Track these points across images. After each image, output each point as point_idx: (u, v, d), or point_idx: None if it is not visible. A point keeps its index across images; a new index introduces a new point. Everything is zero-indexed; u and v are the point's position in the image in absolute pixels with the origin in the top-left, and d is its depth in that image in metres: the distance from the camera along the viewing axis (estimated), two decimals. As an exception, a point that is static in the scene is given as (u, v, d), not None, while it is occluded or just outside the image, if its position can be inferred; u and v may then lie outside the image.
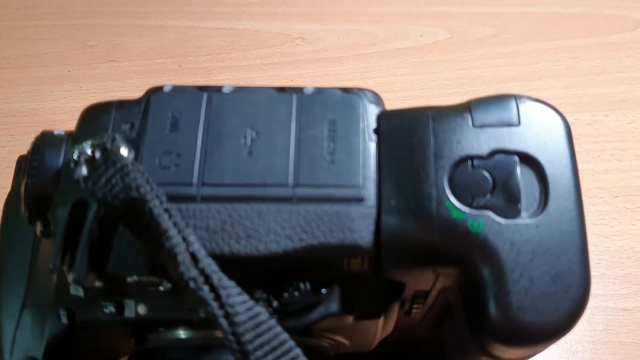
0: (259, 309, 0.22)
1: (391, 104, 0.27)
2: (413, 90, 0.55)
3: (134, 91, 0.27)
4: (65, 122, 0.26)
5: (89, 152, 0.22)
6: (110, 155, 0.22)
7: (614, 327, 0.45)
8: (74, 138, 0.25)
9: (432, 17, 0.60)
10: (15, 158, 0.31)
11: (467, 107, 0.25)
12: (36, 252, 0.28)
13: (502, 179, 0.24)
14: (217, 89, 0.26)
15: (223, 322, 0.21)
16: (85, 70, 0.57)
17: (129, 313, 0.25)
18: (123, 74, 0.56)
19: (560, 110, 0.26)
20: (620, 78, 0.56)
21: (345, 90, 0.26)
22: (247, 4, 0.61)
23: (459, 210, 0.23)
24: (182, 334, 0.26)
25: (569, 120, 0.26)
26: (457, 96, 0.26)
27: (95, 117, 0.26)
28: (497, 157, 0.24)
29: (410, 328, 0.32)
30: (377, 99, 0.26)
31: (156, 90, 0.26)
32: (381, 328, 0.27)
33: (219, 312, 0.21)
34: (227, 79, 0.56)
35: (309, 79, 0.56)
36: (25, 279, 0.27)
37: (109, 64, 0.57)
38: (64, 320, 0.26)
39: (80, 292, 0.25)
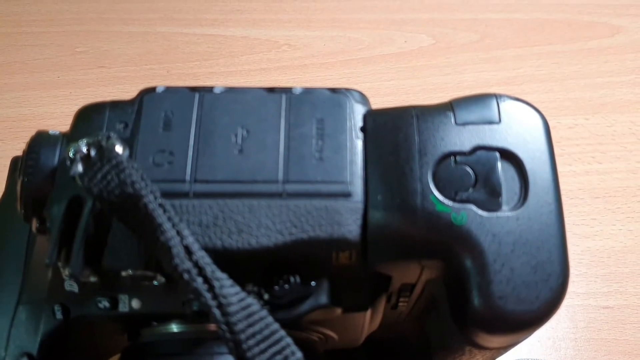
0: (251, 300, 0.22)
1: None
2: (398, 95, 0.56)
3: (123, 96, 0.27)
4: (55, 127, 0.26)
5: (84, 149, 0.23)
6: (105, 152, 0.23)
7: (596, 325, 0.46)
8: (69, 137, 0.26)
9: (417, 23, 0.61)
10: (5, 162, 0.31)
11: (450, 106, 0.26)
12: (31, 250, 0.28)
13: (483, 174, 0.25)
14: (209, 90, 0.26)
15: (216, 312, 0.21)
16: (75, 76, 0.57)
17: (123, 308, 0.25)
18: (112, 80, 0.57)
19: (543, 114, 0.27)
20: (600, 82, 0.57)
21: (333, 90, 0.27)
22: (235, 11, 0.62)
23: (442, 203, 0.24)
24: (174, 327, 0.27)
25: (551, 123, 0.27)
26: (441, 100, 0.27)
27: (90, 117, 0.26)
28: (479, 153, 0.25)
29: (397, 324, 0.32)
30: (364, 99, 0.27)
31: (149, 91, 0.26)
32: (368, 321, 0.28)
33: (213, 303, 0.21)
34: (215, 85, 0.56)
35: (296, 85, 0.56)
36: (20, 276, 0.28)
37: (98, 69, 0.58)
38: (59, 315, 0.26)
39: (74, 288, 0.25)
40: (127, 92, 0.27)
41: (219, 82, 0.57)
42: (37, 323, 0.26)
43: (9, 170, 0.31)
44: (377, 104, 0.28)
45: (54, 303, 0.26)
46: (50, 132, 0.27)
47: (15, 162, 0.31)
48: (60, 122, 0.26)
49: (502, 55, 0.59)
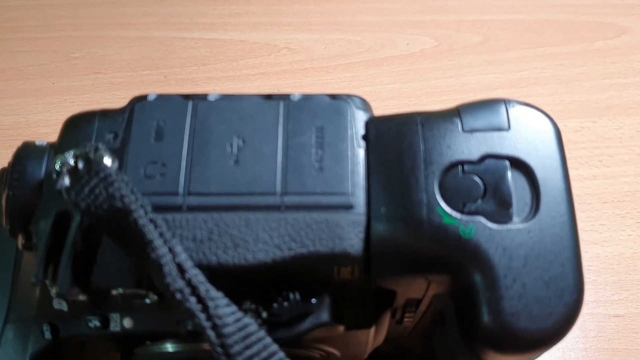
0: (248, 320, 0.21)
1: (379, 113, 0.27)
2: (401, 99, 0.55)
3: (119, 103, 0.26)
4: (50, 134, 0.26)
5: (71, 162, 0.22)
6: (93, 165, 0.22)
7: (606, 334, 0.45)
8: (56, 148, 0.25)
9: (419, 25, 0.60)
10: (-1, 171, 0.30)
11: (457, 112, 0.25)
12: (18, 266, 0.27)
13: (493, 184, 0.24)
14: (203, 97, 0.26)
15: (211, 333, 0.20)
16: (70, 82, 0.56)
17: (114, 327, 0.25)
18: (108, 86, 0.56)
19: (554, 119, 0.26)
20: (606, 84, 0.56)
21: (333, 96, 0.26)
22: (233, 14, 0.61)
23: (450, 216, 0.23)
24: (169, 347, 0.26)
25: (556, 127, 0.26)
26: (445, 104, 0.26)
27: (78, 127, 0.25)
28: (488, 161, 0.24)
29: (402, 338, 0.31)
30: (365, 105, 0.26)
31: (140, 99, 0.26)
32: (372, 338, 0.27)
33: (207, 324, 0.20)
34: (214, 90, 0.55)
35: (295, 89, 0.55)
36: (7, 294, 0.27)
37: (94, 75, 0.57)
38: (48, 335, 0.25)
39: (64, 306, 0.24)
40: (124, 98, 0.26)
41: (217, 87, 0.56)
42: (26, 343, 0.26)
43: (-3, 183, 0.30)
44: (379, 107, 0.27)
45: (43, 322, 0.25)
46: (37, 142, 0.26)
47: (2, 173, 0.30)
48: (54, 130, 0.26)
49: (505, 57, 0.58)
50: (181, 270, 0.21)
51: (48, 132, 0.52)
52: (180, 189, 0.23)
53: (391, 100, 0.55)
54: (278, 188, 0.24)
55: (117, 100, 0.26)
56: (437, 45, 0.58)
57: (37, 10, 0.61)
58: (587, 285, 0.47)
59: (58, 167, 0.22)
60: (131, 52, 0.58)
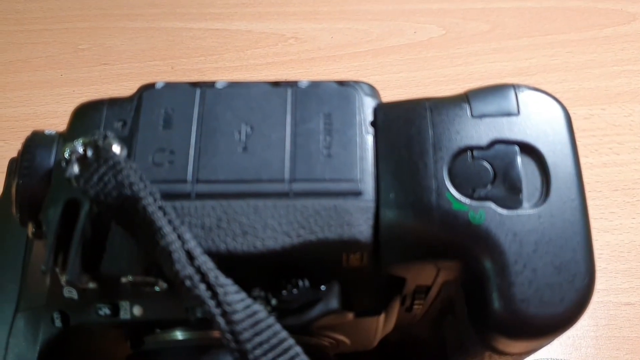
0: (257, 306, 0.21)
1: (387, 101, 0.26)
2: (409, 88, 0.55)
3: (127, 94, 0.26)
4: (59, 125, 0.26)
5: (80, 150, 0.22)
6: (102, 152, 0.22)
7: (617, 322, 0.45)
8: (65, 137, 0.25)
9: (426, 14, 0.59)
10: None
11: (466, 98, 0.25)
12: (29, 255, 0.27)
13: (502, 169, 0.23)
14: (210, 85, 0.25)
15: (220, 320, 0.20)
16: (78, 73, 0.56)
17: (124, 315, 0.25)
18: (115, 77, 0.56)
19: (563, 104, 0.25)
20: (616, 71, 0.56)
21: (341, 83, 0.26)
22: (240, 4, 0.60)
23: (459, 201, 0.23)
24: (179, 335, 0.26)
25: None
26: (453, 92, 0.26)
27: (87, 116, 0.25)
28: (497, 147, 0.24)
29: (411, 325, 0.31)
30: (373, 92, 0.26)
31: (148, 87, 0.25)
32: (382, 325, 0.27)
33: (216, 311, 0.20)
34: (221, 80, 0.55)
35: (303, 79, 0.55)
36: (17, 283, 0.27)
37: (101, 67, 0.57)
38: (58, 323, 0.25)
39: (74, 295, 0.24)
40: (131, 89, 0.26)
41: (224, 77, 0.56)
42: (36, 331, 0.25)
43: (7, 173, 0.30)
44: (387, 97, 0.27)
45: (53, 310, 0.25)
46: (46, 131, 0.26)
47: (11, 163, 0.30)
48: (62, 121, 0.26)
49: (514, 45, 0.57)
50: (190, 257, 0.21)
51: (57, 124, 0.52)
52: (189, 177, 0.23)
53: (399, 89, 0.55)
54: (286, 175, 0.23)
55: (125, 91, 0.26)
56: (445, 34, 0.58)
57: (44, 2, 0.61)
58: (597, 273, 0.47)
59: (67, 155, 0.22)
60: (138, 43, 0.58)
